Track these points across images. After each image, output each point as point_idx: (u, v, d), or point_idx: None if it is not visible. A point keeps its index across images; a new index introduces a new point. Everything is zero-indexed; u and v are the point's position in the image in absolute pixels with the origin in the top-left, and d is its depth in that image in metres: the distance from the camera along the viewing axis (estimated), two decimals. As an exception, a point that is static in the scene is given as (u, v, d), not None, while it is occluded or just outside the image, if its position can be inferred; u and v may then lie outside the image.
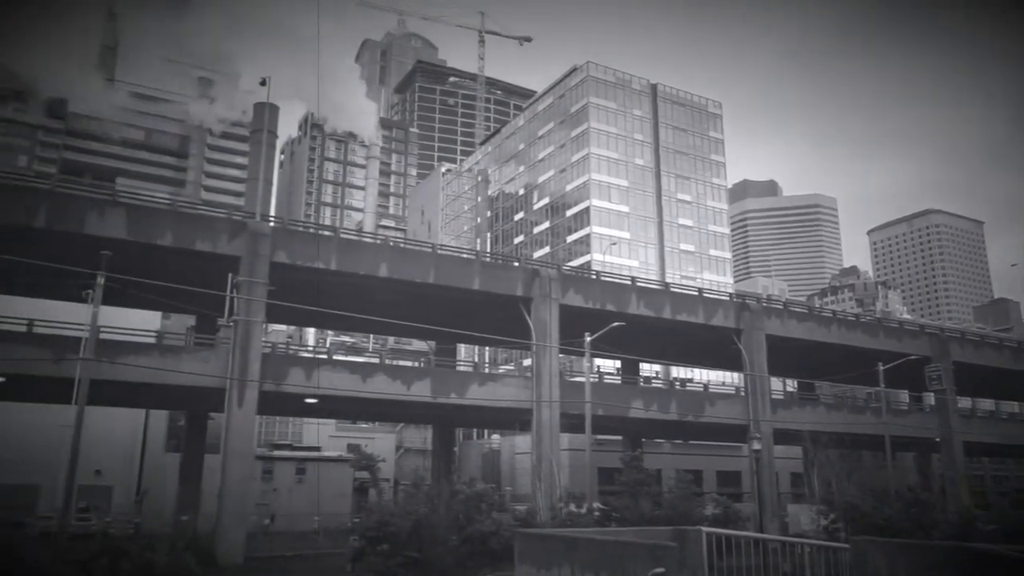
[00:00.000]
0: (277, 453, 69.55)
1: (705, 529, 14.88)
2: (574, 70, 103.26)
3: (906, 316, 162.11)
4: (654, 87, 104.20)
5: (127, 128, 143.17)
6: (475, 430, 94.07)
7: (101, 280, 27.74)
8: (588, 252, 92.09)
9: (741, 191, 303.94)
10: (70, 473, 27.25)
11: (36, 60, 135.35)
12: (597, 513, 35.34)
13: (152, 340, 38.61)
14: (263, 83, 70.70)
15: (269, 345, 40.91)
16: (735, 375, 67.30)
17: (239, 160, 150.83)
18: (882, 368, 50.60)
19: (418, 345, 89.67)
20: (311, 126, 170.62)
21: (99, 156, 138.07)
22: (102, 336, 29.72)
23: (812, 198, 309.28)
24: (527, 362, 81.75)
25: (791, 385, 72.59)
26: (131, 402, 50.68)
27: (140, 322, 47.56)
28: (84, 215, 33.55)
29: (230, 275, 34.29)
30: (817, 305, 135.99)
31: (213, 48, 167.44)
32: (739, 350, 50.06)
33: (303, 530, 56.62)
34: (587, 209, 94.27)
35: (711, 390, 54.03)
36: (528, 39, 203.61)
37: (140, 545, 24.59)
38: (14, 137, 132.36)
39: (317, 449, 73.61)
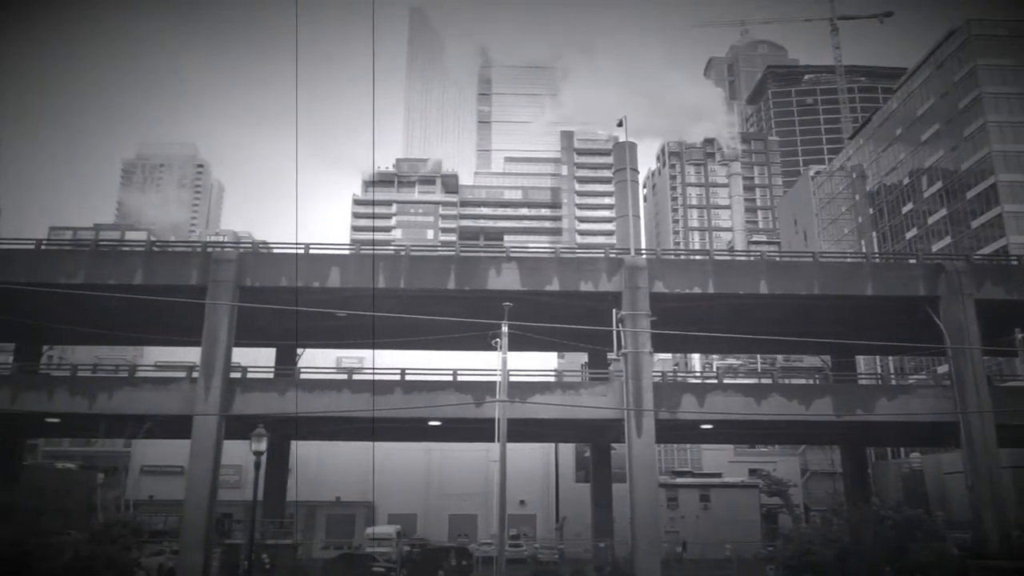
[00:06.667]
0: (680, 480, 70.07)
1: None
2: (952, 33, 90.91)
3: None
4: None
5: (507, 190, 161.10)
6: (889, 448, 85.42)
7: (506, 329, 30.89)
8: (1002, 235, 79.28)
9: None
10: (501, 503, 30.31)
11: (430, 145, 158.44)
12: (1069, 542, 29.56)
13: (553, 379, 41.72)
14: (620, 124, 73.60)
15: (659, 374, 41.69)
16: None
17: (606, 201, 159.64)
18: None
19: (809, 361, 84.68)
20: (668, 154, 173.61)
21: (487, 219, 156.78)
22: (512, 379, 32.96)
23: None
24: (941, 369, 72.45)
25: None
26: (541, 437, 55.13)
27: (540, 363, 52.04)
28: (485, 273, 37.74)
29: (614, 310, 35.85)
30: None
31: (571, 105, 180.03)
32: None
33: (714, 558, 56.01)
34: (993, 186, 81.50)
35: None
36: (888, 14, 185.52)
37: (570, 569, 26.35)
38: (422, 215, 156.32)
39: (718, 475, 72.73)
